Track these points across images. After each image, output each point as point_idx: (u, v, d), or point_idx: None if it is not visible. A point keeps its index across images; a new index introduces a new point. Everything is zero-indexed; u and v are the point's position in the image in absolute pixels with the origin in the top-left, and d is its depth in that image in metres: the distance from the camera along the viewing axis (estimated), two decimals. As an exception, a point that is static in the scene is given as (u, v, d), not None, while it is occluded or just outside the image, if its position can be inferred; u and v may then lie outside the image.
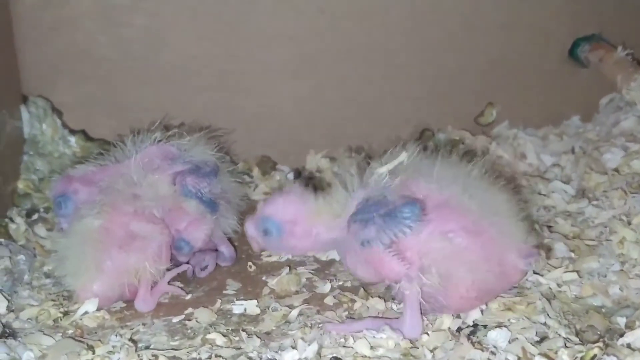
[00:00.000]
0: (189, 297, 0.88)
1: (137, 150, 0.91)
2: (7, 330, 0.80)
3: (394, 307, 0.82)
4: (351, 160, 0.81)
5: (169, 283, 0.89)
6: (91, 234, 0.84)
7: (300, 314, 0.82)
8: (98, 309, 0.84)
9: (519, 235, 0.78)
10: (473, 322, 0.77)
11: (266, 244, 0.86)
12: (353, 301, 0.84)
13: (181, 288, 0.89)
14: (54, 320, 0.83)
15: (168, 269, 0.88)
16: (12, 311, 0.85)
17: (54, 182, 0.95)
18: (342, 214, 0.79)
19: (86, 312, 0.84)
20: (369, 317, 0.80)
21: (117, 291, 0.84)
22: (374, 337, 0.75)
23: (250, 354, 0.74)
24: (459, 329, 0.76)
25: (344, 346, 0.75)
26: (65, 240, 0.86)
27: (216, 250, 0.96)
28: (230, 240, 0.98)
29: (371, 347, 0.74)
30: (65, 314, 0.84)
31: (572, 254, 0.89)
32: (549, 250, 0.90)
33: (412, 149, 0.80)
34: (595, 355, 0.69)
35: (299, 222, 0.82)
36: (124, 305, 0.87)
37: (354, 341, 0.75)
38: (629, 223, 0.92)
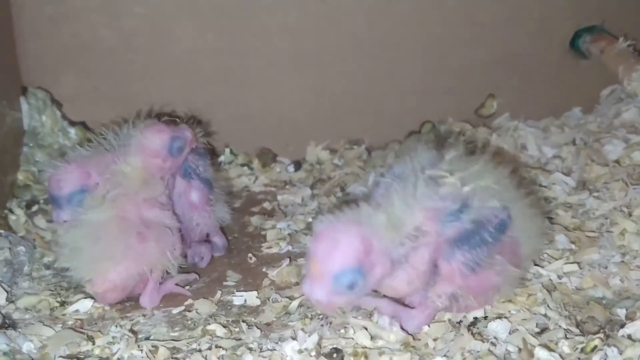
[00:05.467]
0: (188, 287, 0.88)
1: (130, 139, 0.88)
2: (7, 321, 0.80)
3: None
4: (412, 167, 0.73)
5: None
6: (107, 223, 0.82)
7: (300, 305, 0.82)
8: (111, 304, 0.84)
9: (536, 240, 0.80)
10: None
11: (351, 299, 0.69)
12: (353, 292, 0.84)
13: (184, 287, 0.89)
14: (50, 310, 0.83)
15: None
16: (12, 302, 0.85)
17: (63, 174, 0.88)
18: (400, 229, 0.69)
19: (77, 310, 0.83)
20: (386, 298, 0.76)
21: (133, 281, 0.83)
22: (376, 323, 0.75)
23: (251, 345, 0.75)
24: (460, 321, 0.76)
25: (344, 337, 0.75)
26: (77, 230, 0.83)
27: (209, 241, 0.97)
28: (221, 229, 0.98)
29: (371, 338, 0.74)
30: (62, 304, 0.84)
31: (573, 246, 0.89)
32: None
33: (461, 152, 0.75)
34: (595, 347, 0.69)
35: (374, 247, 0.67)
36: (124, 296, 0.87)
37: (354, 332, 0.75)
38: (630, 215, 0.92)
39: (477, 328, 0.75)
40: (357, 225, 0.67)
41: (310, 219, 1.02)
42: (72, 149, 1.01)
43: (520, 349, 0.71)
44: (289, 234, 0.99)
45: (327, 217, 0.68)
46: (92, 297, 0.85)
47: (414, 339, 0.74)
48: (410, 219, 0.70)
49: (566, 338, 0.72)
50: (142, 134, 0.87)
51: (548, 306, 0.77)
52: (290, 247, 0.96)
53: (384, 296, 0.77)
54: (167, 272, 0.86)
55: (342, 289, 0.66)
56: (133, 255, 0.81)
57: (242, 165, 1.19)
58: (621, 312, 0.76)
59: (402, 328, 0.75)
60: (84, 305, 0.84)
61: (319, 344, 0.74)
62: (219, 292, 0.86)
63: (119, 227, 0.82)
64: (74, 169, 0.88)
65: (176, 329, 0.79)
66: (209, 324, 0.79)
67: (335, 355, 0.72)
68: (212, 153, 1.14)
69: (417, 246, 0.70)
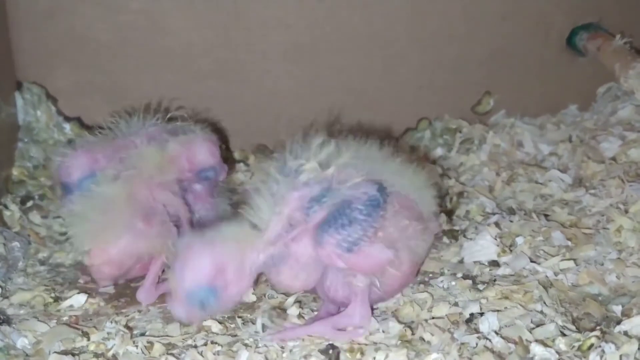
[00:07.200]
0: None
1: (141, 127, 0.90)
2: (2, 317, 0.79)
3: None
4: (263, 165, 0.76)
5: None
6: (117, 198, 0.82)
7: (296, 302, 0.82)
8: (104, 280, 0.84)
9: (432, 207, 0.80)
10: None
11: (208, 313, 0.73)
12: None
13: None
14: (44, 305, 0.83)
15: None
16: (7, 298, 0.84)
17: (71, 160, 0.88)
18: (270, 225, 0.72)
19: (72, 306, 0.83)
20: (318, 321, 0.77)
21: (130, 261, 0.83)
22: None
23: (246, 341, 0.74)
24: (456, 316, 0.76)
25: (340, 333, 0.75)
26: (87, 200, 0.83)
27: None
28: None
29: (368, 334, 0.74)
30: (56, 299, 0.84)
31: (569, 243, 0.89)
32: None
33: (326, 139, 0.75)
34: (592, 345, 0.69)
35: (227, 266, 0.70)
36: (116, 291, 0.86)
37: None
38: (626, 211, 0.92)
39: (474, 324, 0.75)
40: (210, 247, 0.70)
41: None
42: (77, 139, 1.02)
43: (516, 345, 0.71)
44: (285, 230, 0.98)
45: (188, 237, 0.72)
46: (86, 292, 0.84)
47: (412, 333, 0.74)
48: (276, 215, 0.71)
49: (563, 335, 0.72)
50: (198, 138, 0.88)
51: (544, 303, 0.77)
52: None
53: (316, 317, 0.78)
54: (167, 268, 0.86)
55: (196, 305, 0.70)
56: (136, 234, 0.81)
57: (238, 161, 1.18)
58: (617, 309, 0.77)
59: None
60: (78, 301, 0.83)
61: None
62: (215, 288, 0.86)
63: (128, 204, 0.82)
64: (82, 155, 0.88)
65: (171, 324, 0.79)
66: (205, 320, 0.78)
67: (331, 351, 0.72)
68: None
69: (295, 237, 0.72)
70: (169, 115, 0.93)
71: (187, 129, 0.93)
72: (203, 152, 0.89)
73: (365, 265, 0.73)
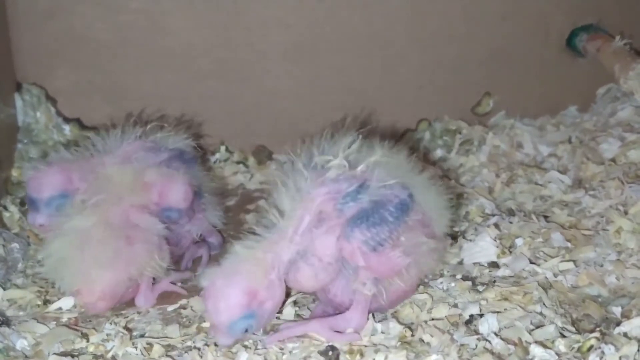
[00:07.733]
0: (183, 286, 0.88)
1: (119, 145, 0.88)
2: (1, 318, 0.79)
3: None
4: (288, 159, 0.74)
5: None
6: (93, 229, 0.79)
7: (294, 302, 0.81)
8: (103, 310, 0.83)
9: (445, 229, 0.80)
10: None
11: (254, 332, 0.74)
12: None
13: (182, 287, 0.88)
14: (44, 305, 0.83)
15: (171, 269, 0.87)
16: (7, 300, 0.84)
17: (44, 177, 0.86)
18: (291, 221, 0.71)
19: (60, 308, 0.83)
20: (314, 319, 0.76)
21: (122, 288, 0.81)
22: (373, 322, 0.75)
23: (246, 343, 0.74)
24: (456, 317, 0.76)
25: (339, 334, 0.75)
26: (62, 239, 0.80)
27: (205, 241, 0.96)
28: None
29: (370, 335, 0.74)
30: (45, 302, 0.83)
31: (569, 244, 0.89)
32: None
33: (356, 137, 0.75)
34: (592, 346, 0.69)
35: (257, 288, 0.70)
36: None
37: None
38: (626, 213, 0.92)
39: (474, 325, 0.75)
40: (233, 277, 0.70)
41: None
42: (57, 150, 1.00)
43: (515, 347, 0.71)
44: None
45: (209, 272, 0.72)
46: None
47: (412, 334, 0.74)
48: (302, 211, 0.71)
49: (562, 336, 0.72)
50: (179, 178, 0.86)
51: (544, 304, 0.77)
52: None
53: (311, 315, 0.78)
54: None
55: (240, 333, 0.71)
56: (122, 260, 0.80)
57: (238, 162, 1.18)
58: (617, 310, 0.77)
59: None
60: (68, 302, 0.83)
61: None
62: (214, 290, 0.86)
63: (106, 233, 0.80)
64: (56, 173, 0.86)
65: (171, 326, 0.79)
66: (204, 322, 0.78)
67: (330, 353, 0.72)
68: (207, 151, 1.14)
69: (320, 234, 0.71)
70: (149, 126, 0.92)
71: (166, 141, 0.91)
72: (178, 193, 0.86)
73: (382, 268, 0.72)
